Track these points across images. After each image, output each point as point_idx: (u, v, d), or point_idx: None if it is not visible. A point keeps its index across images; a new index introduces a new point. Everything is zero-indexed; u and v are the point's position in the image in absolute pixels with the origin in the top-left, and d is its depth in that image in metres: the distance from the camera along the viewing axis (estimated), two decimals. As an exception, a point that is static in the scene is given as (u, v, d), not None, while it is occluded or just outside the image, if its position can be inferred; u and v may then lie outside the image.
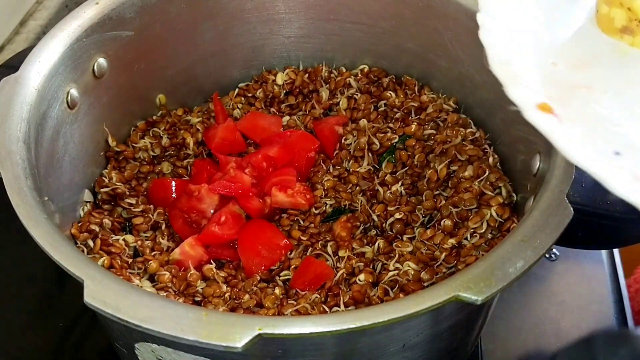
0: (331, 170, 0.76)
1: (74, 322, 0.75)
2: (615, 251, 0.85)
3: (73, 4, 1.14)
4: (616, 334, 0.40)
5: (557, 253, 0.84)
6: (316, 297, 0.62)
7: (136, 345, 0.56)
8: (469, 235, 0.66)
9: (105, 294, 0.47)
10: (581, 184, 0.60)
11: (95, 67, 0.69)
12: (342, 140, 0.78)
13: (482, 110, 0.76)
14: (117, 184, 0.72)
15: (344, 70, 0.85)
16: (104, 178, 0.73)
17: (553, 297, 0.80)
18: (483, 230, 0.66)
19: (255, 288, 0.64)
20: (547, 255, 0.84)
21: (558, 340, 0.76)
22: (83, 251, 0.64)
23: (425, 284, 0.64)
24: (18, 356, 0.73)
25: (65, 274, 0.49)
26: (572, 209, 0.51)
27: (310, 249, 0.69)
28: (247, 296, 0.62)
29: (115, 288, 0.47)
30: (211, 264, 0.66)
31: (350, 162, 0.76)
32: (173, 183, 0.74)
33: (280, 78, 0.84)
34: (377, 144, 0.76)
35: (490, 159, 0.72)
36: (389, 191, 0.72)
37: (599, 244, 0.66)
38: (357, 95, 0.82)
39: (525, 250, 0.49)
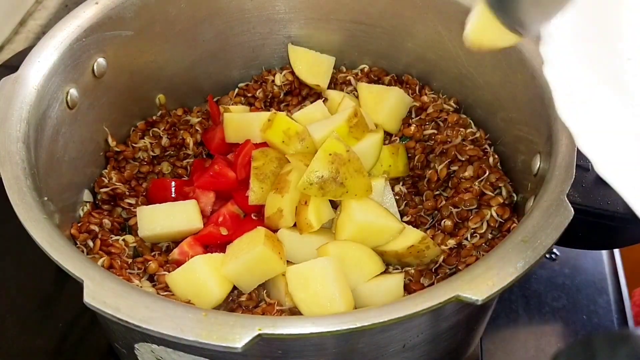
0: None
1: (73, 322, 0.75)
2: (616, 251, 0.85)
3: (73, 4, 1.14)
4: (616, 334, 0.40)
5: (557, 253, 0.84)
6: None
7: (136, 345, 0.55)
8: (469, 236, 0.66)
9: (105, 294, 0.47)
10: (582, 184, 0.60)
11: (95, 67, 0.69)
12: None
13: (482, 110, 0.76)
14: (116, 184, 0.72)
15: (344, 69, 0.85)
16: (103, 178, 0.72)
17: (553, 297, 0.80)
18: (483, 231, 0.66)
19: None
20: (547, 256, 0.84)
21: (558, 340, 0.76)
22: (83, 251, 0.64)
23: (426, 284, 0.64)
24: (18, 356, 0.73)
25: (65, 274, 0.49)
26: (572, 209, 0.51)
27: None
28: (245, 296, 0.62)
29: (115, 288, 0.47)
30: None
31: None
32: (172, 183, 0.74)
33: (278, 79, 0.84)
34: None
35: (491, 159, 0.72)
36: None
37: (599, 244, 0.66)
38: (355, 93, 0.82)
39: (525, 251, 0.49)
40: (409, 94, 0.81)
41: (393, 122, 0.77)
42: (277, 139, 0.71)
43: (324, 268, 0.59)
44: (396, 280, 0.63)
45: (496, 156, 0.72)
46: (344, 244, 0.64)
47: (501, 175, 0.70)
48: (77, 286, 0.48)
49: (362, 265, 0.62)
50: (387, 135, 0.78)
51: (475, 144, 0.73)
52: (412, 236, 0.64)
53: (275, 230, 0.66)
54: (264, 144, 0.74)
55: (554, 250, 0.84)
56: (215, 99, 0.84)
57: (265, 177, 0.69)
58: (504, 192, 0.68)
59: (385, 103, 0.76)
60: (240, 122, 0.76)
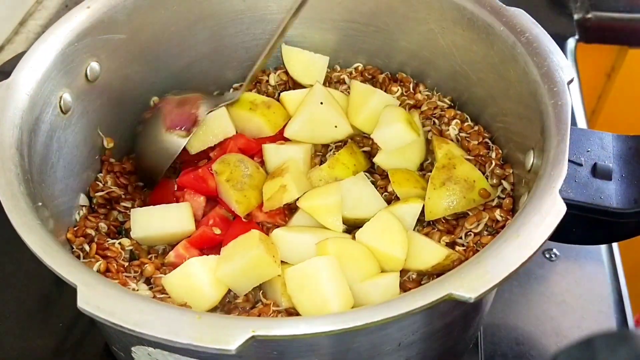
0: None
1: (73, 323, 0.75)
2: (615, 251, 0.85)
3: (73, 4, 1.14)
4: (616, 334, 0.40)
5: (557, 253, 0.84)
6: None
7: (133, 348, 0.56)
8: (463, 235, 0.66)
9: (99, 298, 0.47)
10: (574, 180, 0.60)
11: (88, 71, 0.69)
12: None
13: (475, 107, 0.76)
14: (112, 187, 0.72)
15: (339, 68, 0.85)
16: (98, 182, 0.72)
17: (553, 297, 0.80)
18: (478, 231, 0.66)
19: None
20: (547, 255, 0.83)
21: (558, 340, 0.76)
22: (79, 256, 0.64)
23: (423, 282, 0.64)
24: (18, 356, 0.73)
25: (64, 275, 0.49)
26: (565, 204, 0.51)
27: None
28: (242, 298, 0.62)
29: (109, 293, 0.48)
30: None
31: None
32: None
33: (272, 79, 0.84)
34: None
35: (493, 154, 0.71)
36: (385, 192, 0.72)
37: (594, 239, 0.66)
38: (349, 91, 0.82)
39: (518, 247, 0.49)
40: (403, 92, 0.80)
41: (372, 125, 0.75)
42: (245, 108, 0.76)
43: (321, 268, 0.59)
44: (392, 278, 0.62)
45: (499, 150, 0.72)
46: (343, 241, 0.64)
47: (503, 172, 0.69)
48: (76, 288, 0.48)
49: (358, 265, 0.62)
50: (365, 138, 0.77)
51: (480, 142, 0.73)
52: (437, 254, 0.63)
53: (275, 214, 0.68)
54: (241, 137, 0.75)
55: (554, 250, 0.84)
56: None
57: (243, 184, 0.69)
58: (506, 185, 0.68)
59: (367, 105, 0.76)
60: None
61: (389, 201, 0.71)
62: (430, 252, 0.63)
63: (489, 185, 0.67)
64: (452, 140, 0.74)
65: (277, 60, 0.86)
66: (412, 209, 0.67)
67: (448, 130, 0.75)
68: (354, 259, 0.62)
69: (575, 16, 1.21)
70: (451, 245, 0.66)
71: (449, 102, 0.78)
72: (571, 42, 1.18)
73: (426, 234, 0.67)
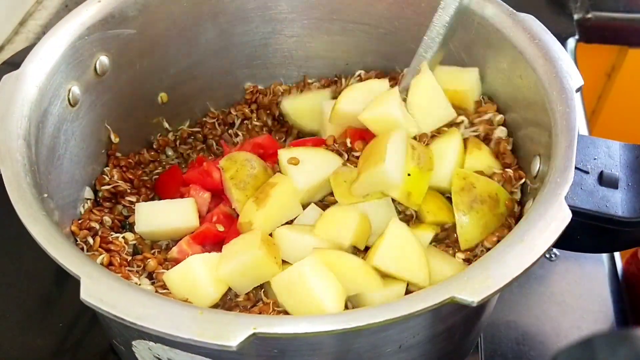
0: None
1: (73, 323, 0.75)
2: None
3: (73, 4, 1.14)
4: (616, 334, 0.40)
5: (557, 253, 0.83)
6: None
7: (133, 342, 0.56)
8: (478, 252, 0.63)
9: (102, 291, 0.47)
10: (580, 187, 0.60)
11: (97, 65, 0.70)
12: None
13: (482, 112, 0.76)
14: (118, 181, 0.72)
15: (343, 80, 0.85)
16: (104, 176, 0.73)
17: (553, 297, 0.80)
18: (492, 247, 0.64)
19: None
20: (547, 256, 0.83)
21: (558, 340, 0.76)
22: (82, 248, 0.64)
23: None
24: (18, 356, 0.73)
25: (65, 274, 0.49)
26: (570, 211, 0.51)
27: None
28: (243, 296, 0.62)
29: (112, 286, 0.48)
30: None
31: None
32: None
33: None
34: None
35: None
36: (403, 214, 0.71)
37: (599, 247, 0.65)
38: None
39: (522, 253, 0.49)
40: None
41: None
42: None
43: (304, 271, 0.56)
44: (398, 289, 0.60)
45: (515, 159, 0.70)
46: (340, 253, 0.61)
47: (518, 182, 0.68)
48: (77, 286, 0.48)
49: (357, 281, 0.59)
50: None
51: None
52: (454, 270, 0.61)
53: None
54: None
55: (554, 250, 0.84)
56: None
57: (246, 183, 0.68)
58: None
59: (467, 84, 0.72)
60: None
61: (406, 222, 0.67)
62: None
63: (508, 195, 0.65)
64: (489, 145, 0.70)
65: (285, 59, 0.86)
66: (424, 237, 0.64)
67: (494, 133, 0.70)
68: (352, 274, 0.59)
69: (575, 16, 1.21)
70: (467, 260, 0.63)
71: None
72: (571, 42, 1.18)
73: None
